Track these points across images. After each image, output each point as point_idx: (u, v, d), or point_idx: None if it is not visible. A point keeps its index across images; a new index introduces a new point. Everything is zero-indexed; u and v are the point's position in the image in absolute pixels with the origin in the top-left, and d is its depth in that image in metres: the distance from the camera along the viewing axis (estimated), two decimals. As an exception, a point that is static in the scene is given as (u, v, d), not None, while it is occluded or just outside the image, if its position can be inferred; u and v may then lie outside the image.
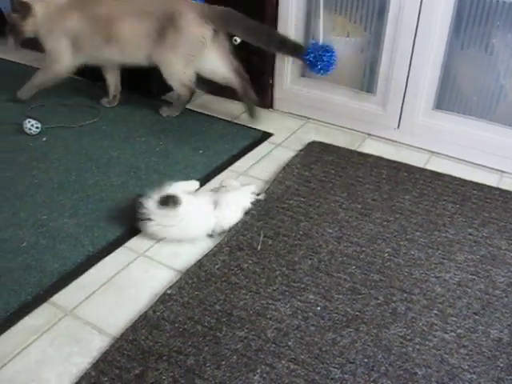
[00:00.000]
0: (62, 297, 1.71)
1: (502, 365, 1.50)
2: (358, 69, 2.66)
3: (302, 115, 2.84)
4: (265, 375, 1.45)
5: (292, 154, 2.49)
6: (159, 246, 1.93)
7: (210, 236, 1.96)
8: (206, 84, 2.87)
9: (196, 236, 1.94)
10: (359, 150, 2.54)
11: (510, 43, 2.27)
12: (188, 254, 1.89)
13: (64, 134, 2.59)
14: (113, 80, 2.89)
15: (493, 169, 2.42)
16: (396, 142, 2.62)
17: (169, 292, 1.69)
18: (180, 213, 1.89)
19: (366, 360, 1.50)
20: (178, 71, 2.66)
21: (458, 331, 1.60)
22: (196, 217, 1.93)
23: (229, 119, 2.80)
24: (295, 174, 2.31)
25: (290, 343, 1.54)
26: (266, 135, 2.67)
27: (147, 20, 2.57)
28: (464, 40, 2.35)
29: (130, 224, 1.97)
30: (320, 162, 2.40)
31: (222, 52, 2.65)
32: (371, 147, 2.57)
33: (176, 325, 1.58)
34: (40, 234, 1.95)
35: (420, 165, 2.42)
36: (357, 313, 1.65)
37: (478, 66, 2.39)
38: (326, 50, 2.51)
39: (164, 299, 1.67)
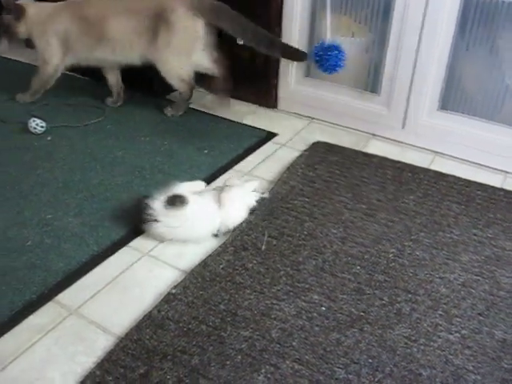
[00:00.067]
0: (67, 296, 1.71)
1: (506, 366, 1.50)
2: (362, 69, 2.65)
3: (307, 115, 2.84)
4: (269, 375, 1.45)
5: (296, 154, 2.49)
6: (164, 245, 1.93)
7: (216, 236, 1.96)
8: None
9: (202, 236, 1.94)
10: (364, 150, 2.54)
11: (516, 44, 2.27)
12: (192, 254, 1.89)
13: (69, 134, 2.60)
14: (113, 79, 2.90)
15: (497, 169, 2.41)
16: (400, 142, 2.61)
17: (173, 291, 1.69)
18: (187, 213, 1.89)
19: (370, 360, 1.50)
20: (174, 67, 2.67)
21: (463, 332, 1.60)
22: (202, 217, 1.93)
23: (233, 119, 2.80)
24: (300, 174, 2.31)
25: (294, 343, 1.54)
26: (270, 135, 2.67)
27: (137, 18, 2.58)
28: (469, 40, 2.35)
29: (135, 225, 1.97)
30: (324, 162, 2.40)
31: (205, 44, 2.66)
32: (376, 147, 2.57)
33: (180, 324, 1.58)
34: (45, 233, 1.95)
35: (424, 165, 2.42)
36: (361, 313, 1.65)
37: (483, 67, 2.38)
38: (334, 48, 2.51)
39: (168, 299, 1.67)
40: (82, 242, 1.92)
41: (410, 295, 1.72)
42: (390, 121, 2.61)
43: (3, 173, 2.28)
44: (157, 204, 1.89)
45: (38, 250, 1.87)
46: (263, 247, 1.90)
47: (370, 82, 2.64)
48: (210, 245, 1.93)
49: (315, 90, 2.78)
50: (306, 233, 1.97)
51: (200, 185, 2.11)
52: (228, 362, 1.48)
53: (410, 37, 2.40)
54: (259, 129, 2.72)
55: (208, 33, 2.63)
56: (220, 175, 2.32)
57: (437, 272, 1.82)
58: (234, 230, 1.97)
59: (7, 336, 1.56)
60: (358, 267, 1.83)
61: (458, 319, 1.64)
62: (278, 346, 1.53)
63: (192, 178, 2.17)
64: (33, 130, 2.54)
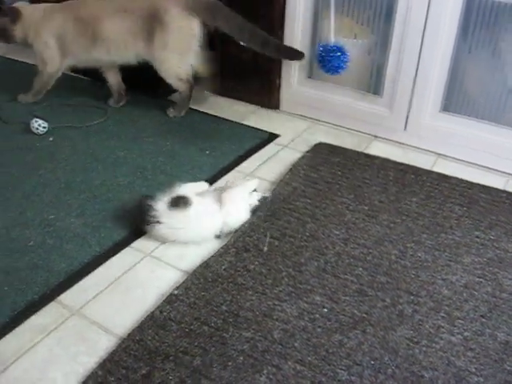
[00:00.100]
0: (69, 296, 1.71)
1: (509, 368, 1.50)
2: (364, 70, 2.65)
3: (309, 116, 2.84)
4: (271, 376, 1.44)
5: (299, 155, 2.49)
6: (166, 246, 1.93)
7: (218, 237, 1.96)
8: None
9: (204, 237, 1.94)
10: (366, 151, 2.54)
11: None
12: (194, 255, 1.89)
13: (71, 134, 2.60)
14: (113, 79, 2.91)
15: (500, 171, 2.41)
16: (403, 144, 2.61)
17: (175, 292, 1.69)
18: (190, 214, 1.89)
19: (372, 362, 1.50)
20: (172, 67, 2.68)
21: (465, 334, 1.60)
22: (205, 218, 1.93)
23: (235, 120, 2.80)
24: (302, 175, 2.31)
25: (296, 344, 1.54)
26: (272, 136, 2.67)
27: (131, 18, 2.59)
28: (471, 42, 2.34)
29: (137, 227, 1.97)
30: (327, 163, 2.40)
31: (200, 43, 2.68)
32: (378, 149, 2.57)
33: (182, 325, 1.58)
34: (47, 234, 1.95)
35: (427, 167, 2.42)
36: (363, 315, 1.65)
37: (485, 69, 2.38)
38: (337, 50, 2.51)
39: (171, 300, 1.67)
40: (84, 242, 1.92)
41: (412, 297, 1.72)
42: (393, 122, 2.61)
43: (5, 173, 2.28)
44: (160, 205, 1.89)
45: (41, 250, 1.87)
46: (265, 248, 1.89)
47: (373, 83, 2.64)
48: (211, 246, 1.93)
49: (318, 91, 2.77)
50: (307, 234, 1.97)
51: (203, 186, 2.11)
52: (230, 363, 1.48)
53: (413, 39, 2.40)
54: (261, 130, 2.72)
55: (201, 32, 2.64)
56: (222, 176, 2.32)
57: (439, 274, 1.81)
58: (236, 231, 1.97)
59: (9, 336, 1.57)
60: (360, 269, 1.82)
61: (461, 321, 1.64)
62: (280, 347, 1.53)
63: (194, 179, 2.17)
64: (35, 131, 2.55)
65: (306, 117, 2.85)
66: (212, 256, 1.86)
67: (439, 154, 2.54)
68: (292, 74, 2.81)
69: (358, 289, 1.74)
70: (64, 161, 2.39)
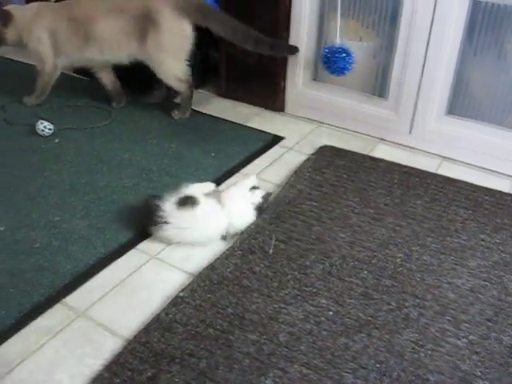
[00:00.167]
0: (75, 298, 1.71)
1: (515, 372, 1.50)
2: (370, 73, 2.65)
3: (314, 119, 2.84)
4: (277, 379, 1.44)
5: (304, 157, 2.49)
6: (171, 248, 1.93)
7: (224, 238, 1.96)
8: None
9: (210, 238, 1.94)
10: (371, 154, 2.54)
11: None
12: (200, 257, 1.89)
13: (76, 136, 2.60)
14: (107, 79, 2.92)
15: (505, 174, 2.41)
16: (408, 147, 2.61)
17: (181, 295, 1.69)
18: (197, 214, 1.89)
19: (378, 365, 1.50)
20: (170, 68, 2.69)
21: (471, 337, 1.59)
22: (211, 218, 1.93)
23: (240, 122, 2.80)
24: (307, 178, 2.31)
25: (302, 347, 1.53)
26: (277, 139, 2.67)
27: (123, 18, 2.60)
28: (477, 45, 2.34)
29: (143, 227, 1.97)
30: (332, 166, 2.40)
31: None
32: (383, 152, 2.57)
33: (188, 327, 1.58)
34: (52, 236, 1.95)
35: (432, 170, 2.42)
36: (369, 318, 1.64)
37: (491, 72, 2.38)
38: (343, 51, 2.51)
39: (176, 302, 1.67)
40: (90, 244, 1.92)
41: (417, 300, 1.72)
42: (398, 125, 2.61)
43: (11, 175, 2.28)
44: (167, 205, 1.89)
45: (46, 252, 1.87)
46: (271, 251, 1.89)
47: (378, 86, 2.64)
48: (217, 248, 1.93)
49: (323, 93, 2.77)
50: (313, 237, 1.97)
51: (210, 186, 2.10)
52: (236, 366, 1.48)
53: (418, 42, 2.40)
54: (266, 132, 2.72)
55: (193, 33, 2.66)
56: (227, 178, 2.33)
57: (444, 277, 1.81)
58: (242, 233, 1.97)
59: (15, 338, 1.57)
60: (366, 272, 1.82)
61: (466, 325, 1.64)
62: (286, 349, 1.53)
63: (199, 181, 2.15)
64: (40, 133, 2.55)
65: (310, 119, 2.85)
66: (218, 258, 1.86)
67: (444, 157, 2.53)
68: (297, 77, 2.81)
69: (363, 292, 1.74)
70: (69, 162, 2.39)
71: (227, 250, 1.90)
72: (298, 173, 2.35)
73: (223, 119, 2.83)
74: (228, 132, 2.71)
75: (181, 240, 1.91)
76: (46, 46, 2.73)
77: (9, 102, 2.87)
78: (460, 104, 2.46)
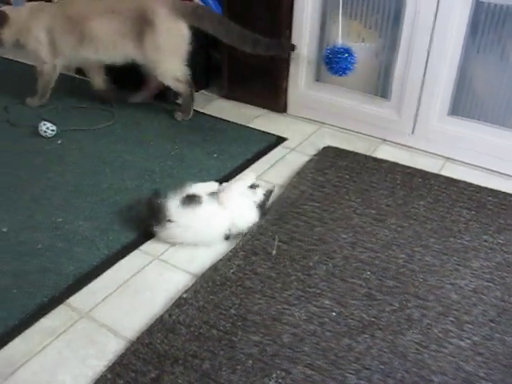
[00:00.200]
0: (78, 299, 1.71)
1: (518, 373, 1.50)
2: (372, 74, 2.65)
3: (316, 120, 2.84)
4: (280, 380, 1.44)
5: (306, 158, 2.49)
6: (174, 249, 1.93)
7: (227, 238, 1.96)
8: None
9: (214, 238, 1.95)
10: (373, 155, 2.54)
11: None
12: (203, 258, 1.89)
13: (79, 137, 2.61)
14: (98, 79, 2.94)
15: (508, 175, 2.41)
16: (410, 147, 2.61)
17: (184, 296, 1.69)
18: (200, 212, 1.89)
19: (381, 366, 1.50)
20: (168, 68, 2.70)
21: (474, 338, 1.59)
22: (214, 217, 1.93)
23: (243, 123, 2.80)
24: (309, 178, 2.31)
25: (305, 348, 1.53)
26: (280, 140, 2.67)
27: (118, 18, 2.61)
28: (480, 45, 2.34)
29: (146, 227, 1.97)
30: (334, 167, 2.40)
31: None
32: (386, 153, 2.57)
33: (191, 329, 1.58)
34: (56, 237, 1.95)
35: (435, 171, 2.42)
36: (372, 319, 1.64)
37: (494, 72, 2.38)
38: (345, 51, 2.51)
39: (179, 303, 1.67)
40: (93, 245, 1.93)
41: (420, 301, 1.71)
42: (400, 126, 2.61)
43: (14, 176, 2.29)
44: (171, 204, 1.89)
45: (49, 253, 1.88)
46: (274, 252, 1.90)
47: (380, 87, 2.64)
48: (220, 249, 1.93)
49: (325, 94, 2.78)
50: (316, 238, 1.97)
51: (213, 186, 2.10)
52: (239, 367, 1.48)
53: (421, 42, 2.40)
54: (268, 133, 2.72)
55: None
56: (229, 179, 2.31)
57: (447, 278, 1.81)
58: (245, 234, 1.97)
59: (18, 339, 1.57)
60: (368, 272, 1.82)
61: (470, 326, 1.63)
62: (290, 350, 1.53)
63: (202, 182, 2.17)
64: (43, 134, 2.55)
65: (313, 120, 2.85)
66: (220, 259, 1.86)
67: (447, 158, 2.53)
68: (299, 77, 2.81)
69: (366, 293, 1.74)
70: (72, 164, 2.39)
71: (230, 251, 1.90)
72: (300, 174, 2.35)
73: (226, 120, 2.83)
74: (230, 133, 2.71)
75: (184, 239, 1.92)
76: (44, 45, 2.73)
77: (12, 104, 2.88)
78: (463, 104, 2.46)
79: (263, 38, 2.61)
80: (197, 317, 1.62)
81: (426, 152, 2.57)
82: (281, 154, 2.56)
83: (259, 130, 2.75)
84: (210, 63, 3.15)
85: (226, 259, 1.85)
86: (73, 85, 3.01)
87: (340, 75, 2.58)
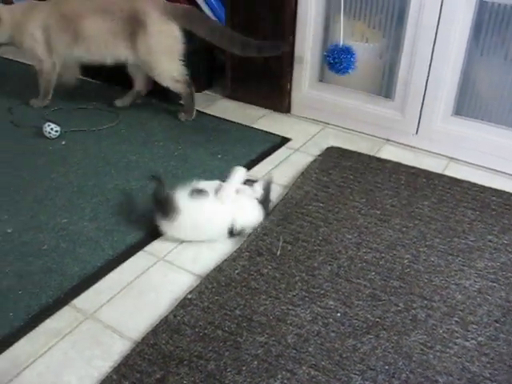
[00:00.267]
0: (83, 300, 1.72)
1: (524, 373, 1.50)
2: (376, 74, 2.65)
3: (320, 120, 2.84)
4: (285, 381, 1.44)
5: (310, 159, 2.49)
6: (179, 250, 1.93)
7: (231, 234, 1.95)
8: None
9: (218, 233, 1.95)
10: (377, 155, 2.54)
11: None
12: (207, 259, 1.89)
13: (83, 138, 2.61)
14: (71, 75, 2.96)
15: (512, 175, 2.41)
16: (414, 147, 2.61)
17: (189, 297, 1.69)
18: (205, 207, 1.91)
19: (386, 367, 1.49)
20: (164, 69, 2.70)
21: (479, 339, 1.59)
22: (218, 212, 1.93)
23: (247, 124, 2.80)
24: (314, 179, 2.31)
25: (310, 349, 1.53)
26: (284, 140, 2.67)
27: (110, 18, 2.61)
28: (484, 45, 2.34)
29: (150, 223, 1.97)
30: (338, 167, 2.40)
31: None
32: (390, 153, 2.57)
33: (196, 329, 1.58)
34: (60, 238, 1.96)
35: (439, 171, 2.41)
36: (377, 319, 1.64)
37: (498, 72, 2.38)
38: (346, 51, 2.51)
39: (184, 304, 1.67)
40: (98, 246, 1.93)
41: (425, 301, 1.71)
42: (404, 126, 2.60)
43: (18, 177, 2.29)
44: (178, 196, 1.90)
45: (54, 254, 1.88)
46: (278, 252, 1.90)
47: (384, 87, 2.63)
48: (224, 250, 1.93)
49: (329, 94, 2.77)
50: (320, 238, 1.97)
51: (218, 185, 2.10)
52: (244, 368, 1.48)
53: (425, 42, 2.40)
54: (272, 133, 2.72)
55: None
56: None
57: (452, 278, 1.81)
58: (249, 235, 1.97)
59: (24, 340, 1.57)
60: (373, 273, 1.82)
61: (474, 326, 1.63)
62: (294, 351, 1.53)
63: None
64: (47, 135, 2.56)
65: (317, 120, 2.85)
66: (225, 260, 1.86)
67: (451, 158, 2.53)
68: (303, 78, 2.81)
69: (371, 293, 1.74)
70: (76, 164, 2.40)
71: (235, 251, 1.90)
72: (304, 174, 2.35)
73: (229, 121, 2.83)
74: (234, 133, 2.71)
75: (187, 235, 1.93)
76: (40, 43, 2.73)
77: (16, 104, 2.88)
78: (467, 104, 2.46)
79: (253, 40, 2.58)
80: (202, 317, 1.62)
81: (430, 152, 2.57)
82: (285, 154, 2.56)
83: (263, 131, 2.74)
84: (214, 63, 3.15)
85: (231, 260, 1.85)
86: (76, 86, 3.01)
87: (342, 74, 2.56)
